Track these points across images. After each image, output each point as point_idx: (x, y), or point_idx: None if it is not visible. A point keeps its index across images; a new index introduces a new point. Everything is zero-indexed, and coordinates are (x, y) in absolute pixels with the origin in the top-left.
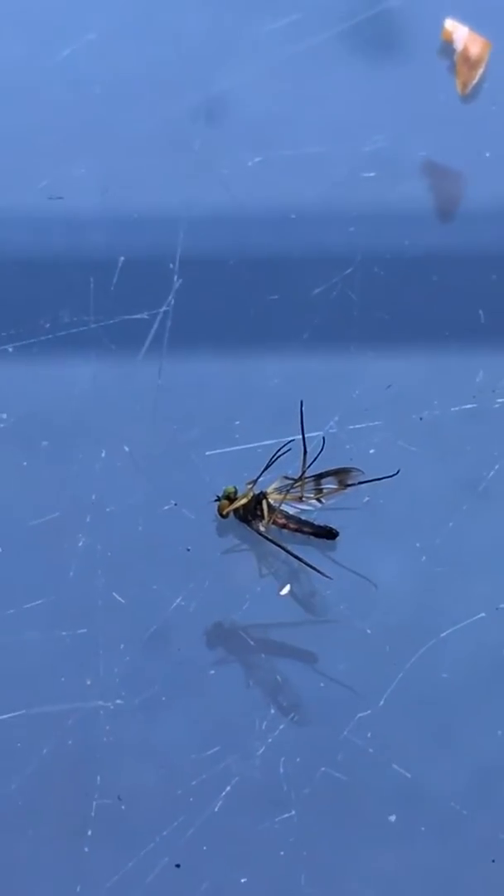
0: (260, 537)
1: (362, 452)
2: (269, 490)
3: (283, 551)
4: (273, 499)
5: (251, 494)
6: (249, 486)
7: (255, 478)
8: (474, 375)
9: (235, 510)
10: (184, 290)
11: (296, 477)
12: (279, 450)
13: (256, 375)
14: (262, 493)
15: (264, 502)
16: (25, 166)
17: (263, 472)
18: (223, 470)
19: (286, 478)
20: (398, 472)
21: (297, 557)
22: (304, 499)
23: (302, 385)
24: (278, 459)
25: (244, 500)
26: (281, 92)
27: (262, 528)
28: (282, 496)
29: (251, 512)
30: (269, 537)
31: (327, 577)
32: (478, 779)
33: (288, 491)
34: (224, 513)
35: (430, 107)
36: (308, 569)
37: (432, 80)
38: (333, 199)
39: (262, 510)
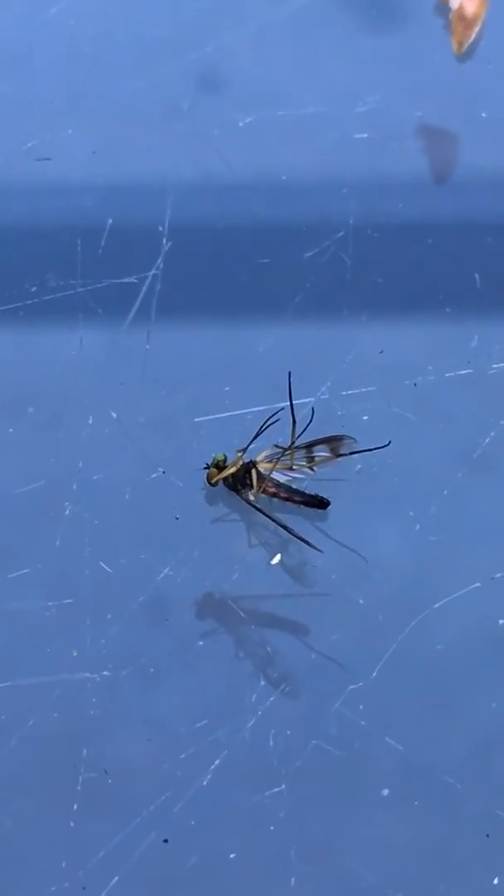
0: (250, 506)
1: (355, 419)
2: (258, 458)
3: (274, 522)
4: (263, 467)
5: (240, 463)
6: (239, 455)
7: (244, 446)
8: (469, 340)
9: (224, 478)
10: (173, 253)
11: (286, 445)
12: (269, 418)
13: (247, 340)
14: (251, 461)
15: (253, 471)
16: (12, 127)
17: (253, 440)
18: (212, 437)
19: (276, 446)
20: (389, 443)
21: (286, 528)
22: (295, 468)
23: (293, 350)
24: (269, 428)
25: (233, 469)
26: (273, 52)
27: (251, 498)
28: (271, 464)
29: (240, 480)
30: (259, 507)
31: (318, 549)
32: (472, 752)
33: (278, 459)
34: (213, 481)
35: (425, 67)
36: (301, 540)
37: (427, 39)
38: (326, 160)
39: (251, 479)
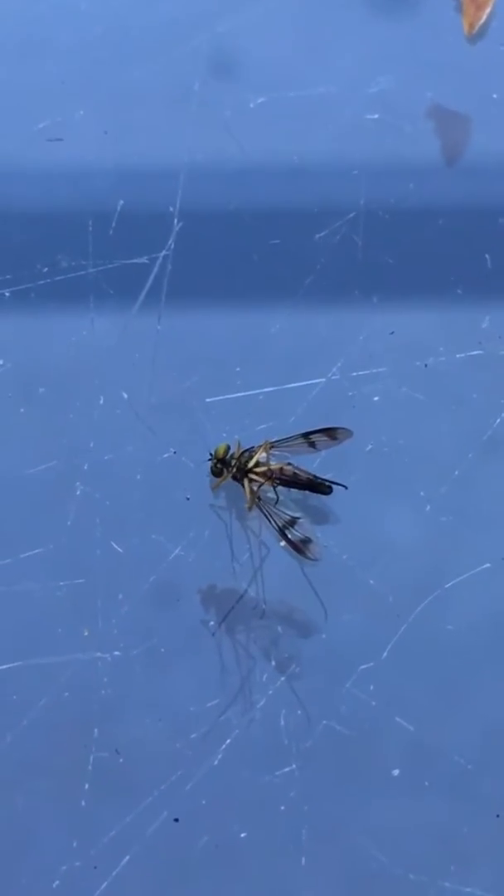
0: (259, 486)
1: (366, 400)
2: (252, 463)
3: (279, 507)
4: (256, 474)
5: (236, 469)
6: (234, 466)
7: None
8: (480, 322)
9: (229, 470)
10: (184, 234)
11: (284, 437)
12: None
13: (258, 321)
14: (245, 470)
15: (245, 482)
16: (24, 108)
17: (248, 449)
18: (223, 417)
19: (272, 444)
20: (347, 487)
21: (284, 537)
22: (291, 465)
23: (304, 331)
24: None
25: (227, 476)
26: (284, 33)
27: (246, 506)
28: (263, 482)
29: (241, 477)
30: (261, 508)
31: (311, 559)
32: (483, 733)
33: (270, 477)
34: (214, 487)
35: (437, 48)
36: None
37: (438, 20)
38: (337, 141)
39: (246, 487)
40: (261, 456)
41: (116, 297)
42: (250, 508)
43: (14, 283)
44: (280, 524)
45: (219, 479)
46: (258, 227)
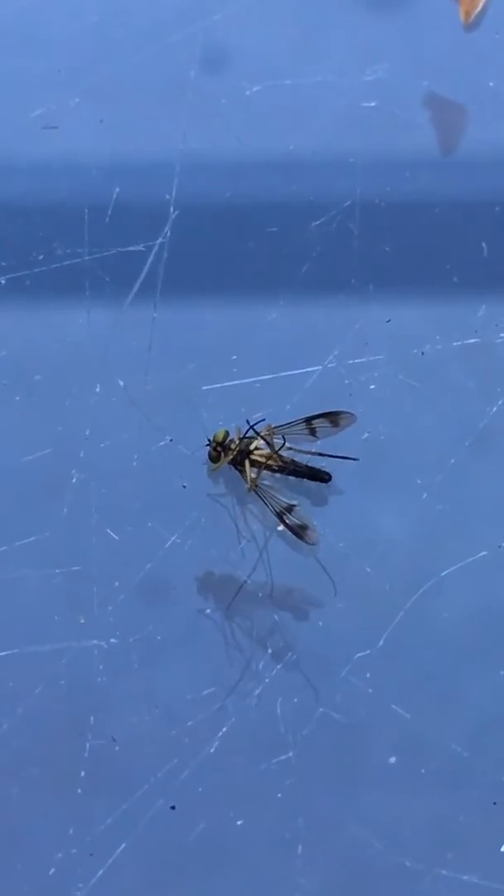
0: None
1: (362, 388)
2: (255, 444)
3: (276, 493)
4: (258, 456)
5: (237, 451)
6: (236, 448)
7: (243, 433)
8: (476, 310)
9: (227, 455)
10: (180, 221)
11: (286, 422)
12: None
13: (254, 309)
14: (246, 450)
15: (246, 463)
16: (19, 96)
17: (247, 432)
18: (220, 405)
19: (272, 428)
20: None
21: (283, 521)
22: (292, 449)
23: (300, 319)
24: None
25: (229, 458)
26: (281, 20)
27: (247, 488)
28: (264, 461)
29: (242, 459)
30: (259, 494)
31: (309, 543)
32: (479, 720)
33: (268, 458)
34: (212, 471)
35: (433, 36)
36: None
37: (435, 8)
38: (333, 129)
39: (245, 469)
40: (261, 442)
41: (112, 285)
42: (250, 490)
43: (10, 271)
44: (278, 510)
45: (216, 464)
46: (254, 215)
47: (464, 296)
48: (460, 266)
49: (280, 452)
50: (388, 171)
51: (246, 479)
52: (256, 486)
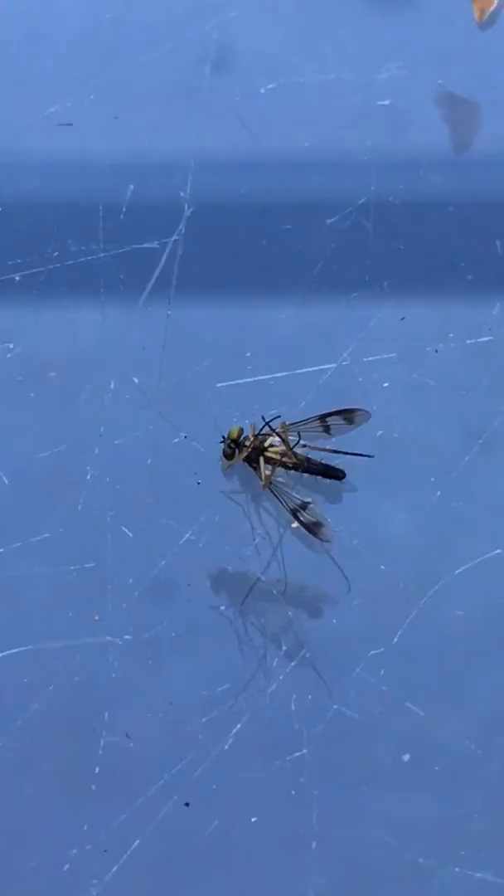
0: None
1: (376, 385)
2: (268, 441)
3: (290, 491)
4: (272, 453)
5: (251, 448)
6: (251, 444)
7: (258, 430)
8: (490, 307)
9: (241, 452)
10: (195, 218)
11: (301, 420)
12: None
13: (268, 306)
14: (261, 447)
15: (261, 460)
16: (34, 93)
17: (262, 429)
18: (234, 402)
19: (286, 425)
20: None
21: (297, 518)
22: (306, 446)
23: (314, 316)
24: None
25: (243, 456)
26: (295, 18)
27: (261, 485)
28: (278, 461)
29: (257, 456)
30: (273, 491)
31: (325, 540)
32: (493, 718)
33: (283, 456)
34: (226, 468)
35: (447, 34)
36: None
37: (450, 6)
38: (347, 127)
39: (259, 466)
40: (276, 439)
41: (127, 282)
42: (265, 487)
43: (24, 268)
44: (292, 507)
45: (231, 461)
46: (269, 213)
47: (478, 294)
48: (474, 264)
49: (294, 450)
50: (402, 169)
51: (260, 477)
52: (271, 483)
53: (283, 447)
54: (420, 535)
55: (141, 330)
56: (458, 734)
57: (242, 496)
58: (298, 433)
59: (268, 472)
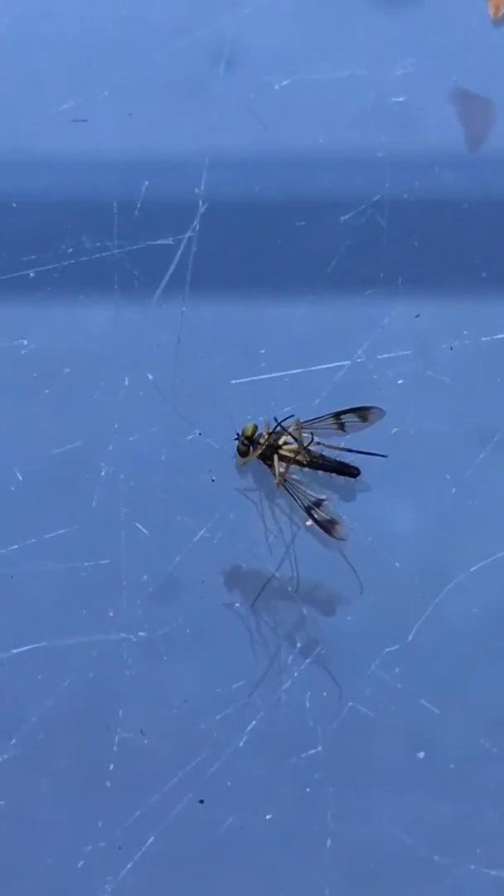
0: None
1: (390, 382)
2: (283, 439)
3: (304, 488)
4: (286, 451)
5: (265, 446)
6: (265, 442)
7: (272, 427)
8: None
9: (256, 449)
10: (209, 215)
11: (315, 417)
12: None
13: (283, 303)
14: (275, 445)
15: (275, 457)
16: (49, 89)
17: (276, 428)
18: (248, 399)
19: (301, 423)
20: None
21: (311, 516)
22: (320, 444)
23: (329, 314)
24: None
25: (258, 452)
26: (310, 14)
27: (275, 483)
28: (292, 458)
29: (271, 454)
30: (286, 487)
31: (339, 538)
32: None
33: (297, 455)
34: (240, 465)
35: (462, 31)
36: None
37: (464, 3)
38: (362, 124)
39: (273, 463)
40: (289, 437)
41: (141, 279)
42: (279, 485)
43: (38, 264)
44: (306, 504)
45: (245, 458)
46: (283, 209)
47: (493, 291)
48: (489, 261)
49: (309, 447)
50: (416, 166)
51: (274, 474)
52: (285, 480)
53: (297, 445)
54: (435, 533)
55: (155, 326)
56: (474, 732)
57: (257, 493)
58: (312, 433)
59: (282, 470)
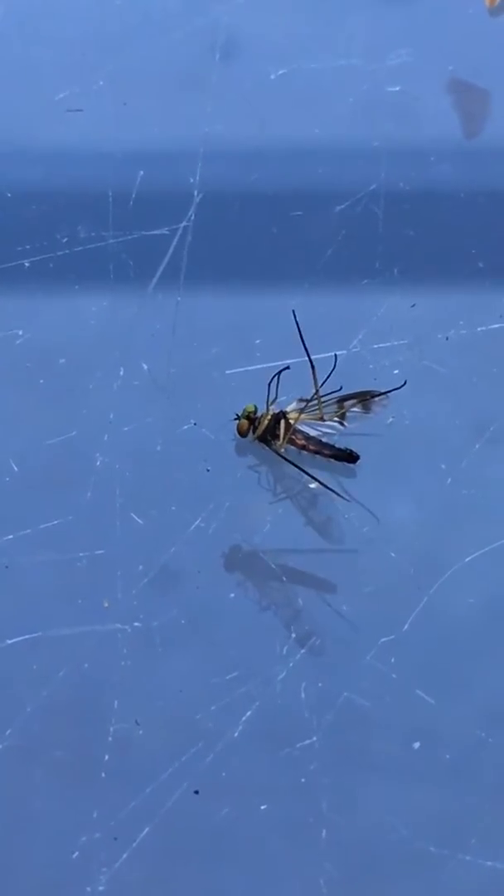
0: (280, 458)
1: (386, 372)
2: (287, 409)
3: (303, 472)
4: (292, 418)
5: (271, 415)
6: (270, 409)
7: (273, 398)
8: (501, 295)
9: (254, 430)
10: (204, 205)
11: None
12: (281, 371)
13: (278, 293)
14: (281, 411)
15: (283, 422)
16: (43, 78)
17: (276, 389)
18: (243, 389)
19: (302, 400)
20: (405, 382)
21: (314, 479)
22: (324, 419)
23: (325, 303)
24: (298, 381)
25: (266, 423)
26: (305, 4)
27: (279, 449)
28: (298, 415)
29: (270, 432)
30: (288, 458)
31: (346, 499)
32: (503, 706)
33: (303, 410)
34: (246, 436)
35: (458, 20)
36: (334, 486)
37: None
38: (358, 113)
39: (280, 430)
40: (294, 405)
41: (136, 268)
42: (282, 446)
43: (33, 254)
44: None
45: (251, 425)
46: (278, 199)
47: (489, 281)
48: (485, 251)
49: (307, 434)
50: (412, 156)
51: (280, 443)
52: (292, 444)
53: (299, 415)
54: (431, 523)
55: (151, 316)
56: (469, 722)
57: (252, 483)
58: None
59: (291, 434)
